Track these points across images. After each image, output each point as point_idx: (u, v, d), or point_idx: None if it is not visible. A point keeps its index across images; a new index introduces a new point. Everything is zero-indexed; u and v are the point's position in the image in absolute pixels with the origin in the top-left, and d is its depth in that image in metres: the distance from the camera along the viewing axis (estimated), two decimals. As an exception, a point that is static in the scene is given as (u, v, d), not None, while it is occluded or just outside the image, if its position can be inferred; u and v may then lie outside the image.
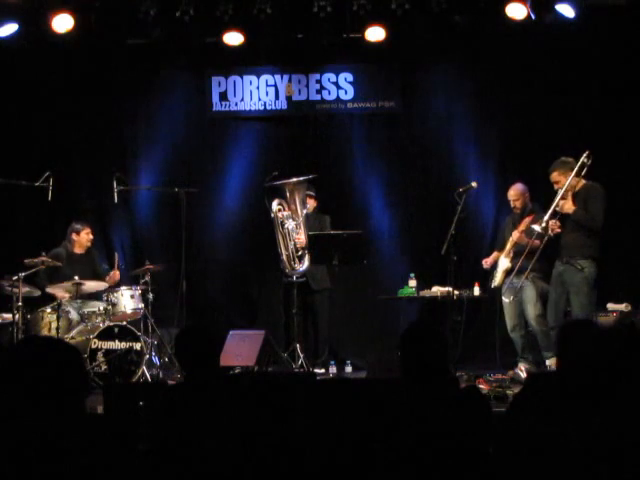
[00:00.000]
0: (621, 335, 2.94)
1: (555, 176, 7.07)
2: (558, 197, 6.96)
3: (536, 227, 7.01)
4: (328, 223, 8.06)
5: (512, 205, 7.61)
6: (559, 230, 7.02)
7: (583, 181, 7.06)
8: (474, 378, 6.97)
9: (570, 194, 7.00)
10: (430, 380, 3.25)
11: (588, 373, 2.90)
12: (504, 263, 7.50)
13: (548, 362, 7.20)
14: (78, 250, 8.13)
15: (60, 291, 7.66)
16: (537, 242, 7.24)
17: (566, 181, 6.94)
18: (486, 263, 7.65)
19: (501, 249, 7.66)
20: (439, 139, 9.05)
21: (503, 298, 7.48)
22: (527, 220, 7.45)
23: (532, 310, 7.34)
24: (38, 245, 7.73)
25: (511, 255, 7.48)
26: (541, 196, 7.46)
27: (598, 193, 7.04)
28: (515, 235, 7.44)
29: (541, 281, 7.38)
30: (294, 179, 7.76)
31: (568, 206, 6.96)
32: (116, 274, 8.01)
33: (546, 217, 6.98)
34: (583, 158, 6.93)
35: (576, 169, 6.93)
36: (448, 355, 3.47)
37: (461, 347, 7.39)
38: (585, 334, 3.33)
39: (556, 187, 7.03)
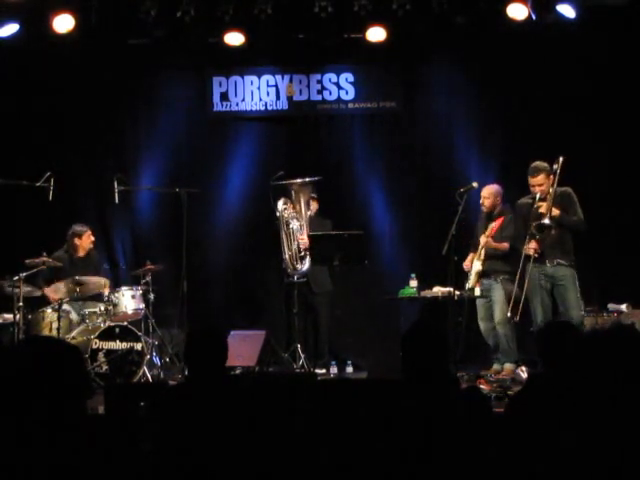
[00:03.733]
0: (611, 337, 2.94)
1: (541, 179, 7.03)
2: (549, 200, 6.93)
3: (546, 221, 6.96)
4: (329, 229, 8.04)
5: (481, 202, 7.66)
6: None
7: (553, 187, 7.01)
8: (475, 378, 6.98)
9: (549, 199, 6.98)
10: (431, 380, 3.25)
11: (572, 375, 2.91)
12: (476, 266, 7.59)
13: (506, 366, 7.26)
14: (80, 253, 8.12)
15: (57, 293, 7.61)
16: (504, 245, 7.41)
17: (548, 185, 6.94)
18: (467, 266, 7.69)
19: (475, 250, 7.71)
20: (440, 139, 9.05)
21: (477, 300, 7.58)
22: (495, 224, 7.53)
23: (498, 313, 7.40)
24: (39, 245, 7.71)
25: (482, 258, 7.55)
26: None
27: (574, 197, 7.05)
28: (482, 240, 7.52)
29: (511, 284, 7.37)
30: (299, 180, 7.77)
31: (554, 210, 6.93)
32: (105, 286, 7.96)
33: (546, 220, 6.92)
34: (560, 164, 6.91)
35: (557, 176, 6.93)
36: (449, 356, 3.48)
37: (462, 347, 7.39)
38: (566, 336, 3.34)
39: (537, 189, 6.98)
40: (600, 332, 3.20)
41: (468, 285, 7.64)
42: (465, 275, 7.76)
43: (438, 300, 7.74)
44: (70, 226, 8.16)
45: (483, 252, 7.56)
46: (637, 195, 8.30)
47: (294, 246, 7.83)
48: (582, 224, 7.01)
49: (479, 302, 7.63)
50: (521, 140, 8.64)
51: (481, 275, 7.58)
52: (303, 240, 7.79)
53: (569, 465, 2.74)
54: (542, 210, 6.88)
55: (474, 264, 7.63)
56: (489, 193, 7.63)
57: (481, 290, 7.58)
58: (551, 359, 3.33)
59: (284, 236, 7.84)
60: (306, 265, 7.82)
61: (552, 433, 2.84)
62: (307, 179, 7.77)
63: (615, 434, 2.67)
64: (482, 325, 7.65)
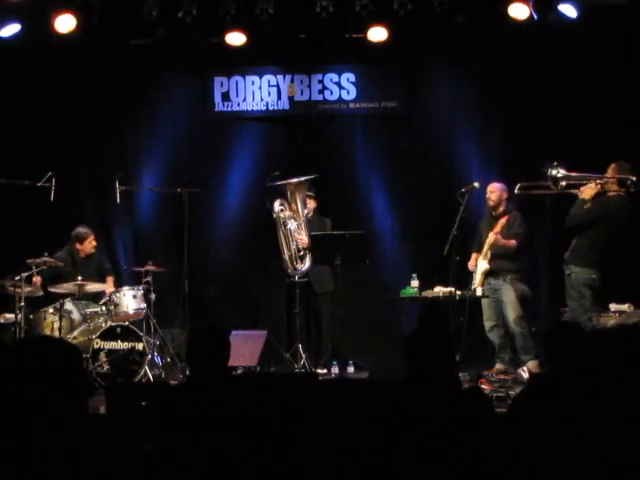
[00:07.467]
0: (615, 337, 2.94)
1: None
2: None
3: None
4: (329, 227, 8.05)
5: (487, 197, 7.72)
6: None
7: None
8: (476, 378, 6.97)
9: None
10: (432, 381, 3.25)
11: (575, 375, 2.91)
12: (482, 265, 7.59)
13: (526, 366, 7.25)
14: (82, 255, 8.14)
15: (62, 290, 7.67)
16: (513, 242, 7.48)
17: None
18: (472, 266, 7.70)
19: (479, 250, 7.71)
20: (441, 139, 9.04)
21: (482, 300, 7.59)
22: (502, 221, 7.56)
23: (511, 312, 7.43)
24: (40, 245, 7.72)
25: (488, 257, 7.56)
26: (542, 196, 7.49)
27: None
28: (491, 237, 7.53)
29: (520, 283, 7.48)
30: (295, 179, 7.78)
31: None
32: (109, 287, 7.98)
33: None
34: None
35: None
36: (453, 357, 3.47)
37: (463, 347, 7.39)
38: (571, 337, 3.34)
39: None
40: (604, 332, 3.20)
41: (474, 285, 7.64)
42: (468, 275, 7.76)
43: (439, 300, 7.74)
44: (72, 226, 8.17)
45: (489, 251, 7.56)
46: (637, 194, 8.27)
47: (293, 246, 7.84)
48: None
49: (484, 302, 7.62)
50: (522, 140, 8.63)
51: (488, 275, 7.58)
52: (301, 240, 7.80)
53: (571, 465, 2.74)
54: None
55: (479, 263, 7.62)
56: (495, 188, 7.72)
57: (485, 290, 7.56)
58: (556, 359, 3.32)
59: (282, 237, 7.86)
60: (306, 265, 7.83)
61: (554, 433, 2.84)
62: (303, 178, 7.78)
63: (616, 434, 2.67)
64: (487, 325, 7.66)
